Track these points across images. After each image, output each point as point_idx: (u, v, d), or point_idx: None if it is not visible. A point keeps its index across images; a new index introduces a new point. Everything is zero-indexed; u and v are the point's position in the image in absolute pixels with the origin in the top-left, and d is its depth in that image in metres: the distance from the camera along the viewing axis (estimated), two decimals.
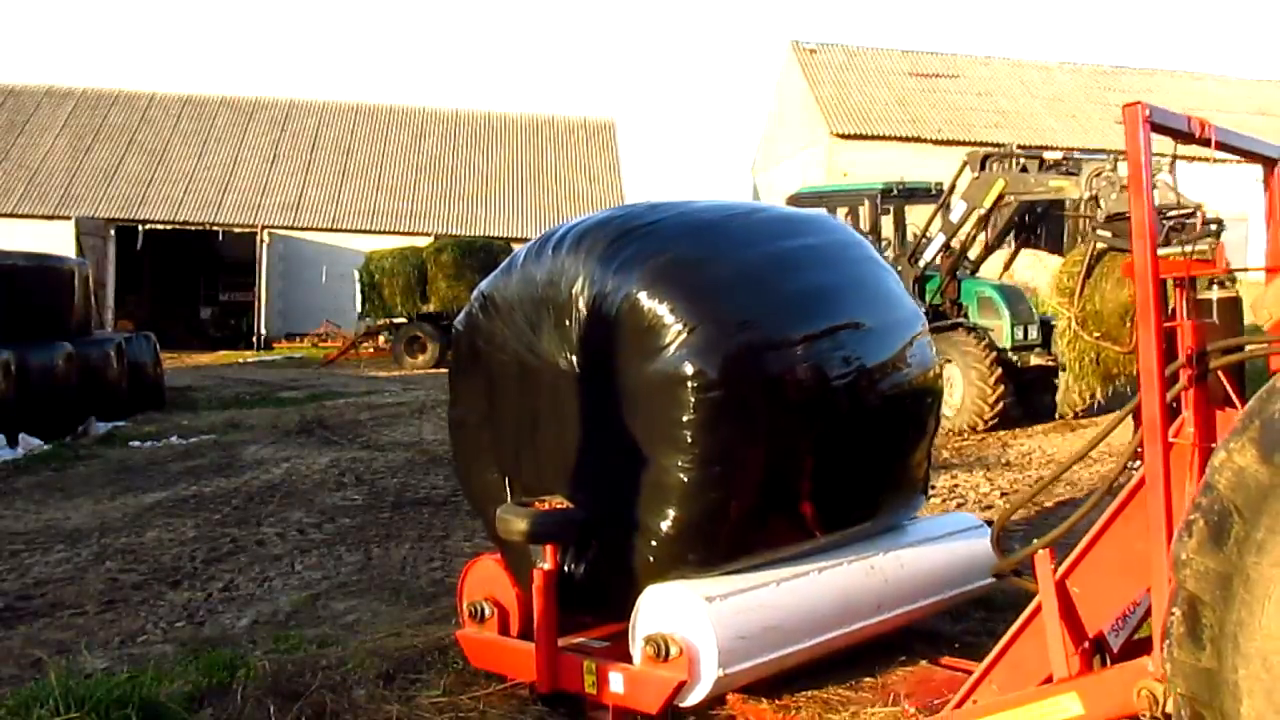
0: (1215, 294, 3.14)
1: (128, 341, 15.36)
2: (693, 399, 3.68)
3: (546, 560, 3.88)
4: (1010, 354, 12.49)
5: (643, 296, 3.77)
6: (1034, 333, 12.83)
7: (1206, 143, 3.03)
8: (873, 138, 33.86)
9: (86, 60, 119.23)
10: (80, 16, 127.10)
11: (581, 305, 3.90)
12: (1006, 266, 14.12)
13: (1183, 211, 3.81)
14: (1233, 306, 3.15)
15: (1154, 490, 2.81)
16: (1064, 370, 11.26)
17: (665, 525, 3.77)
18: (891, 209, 13.74)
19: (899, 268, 13.26)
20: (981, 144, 28.93)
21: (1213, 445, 2.82)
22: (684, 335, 3.71)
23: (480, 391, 4.32)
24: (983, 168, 12.21)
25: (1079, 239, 13.35)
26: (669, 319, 3.74)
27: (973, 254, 13.11)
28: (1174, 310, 2.99)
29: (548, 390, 4.05)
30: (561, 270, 3.98)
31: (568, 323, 3.94)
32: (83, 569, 6.59)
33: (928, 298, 13.07)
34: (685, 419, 3.69)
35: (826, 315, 4.13)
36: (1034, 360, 12.64)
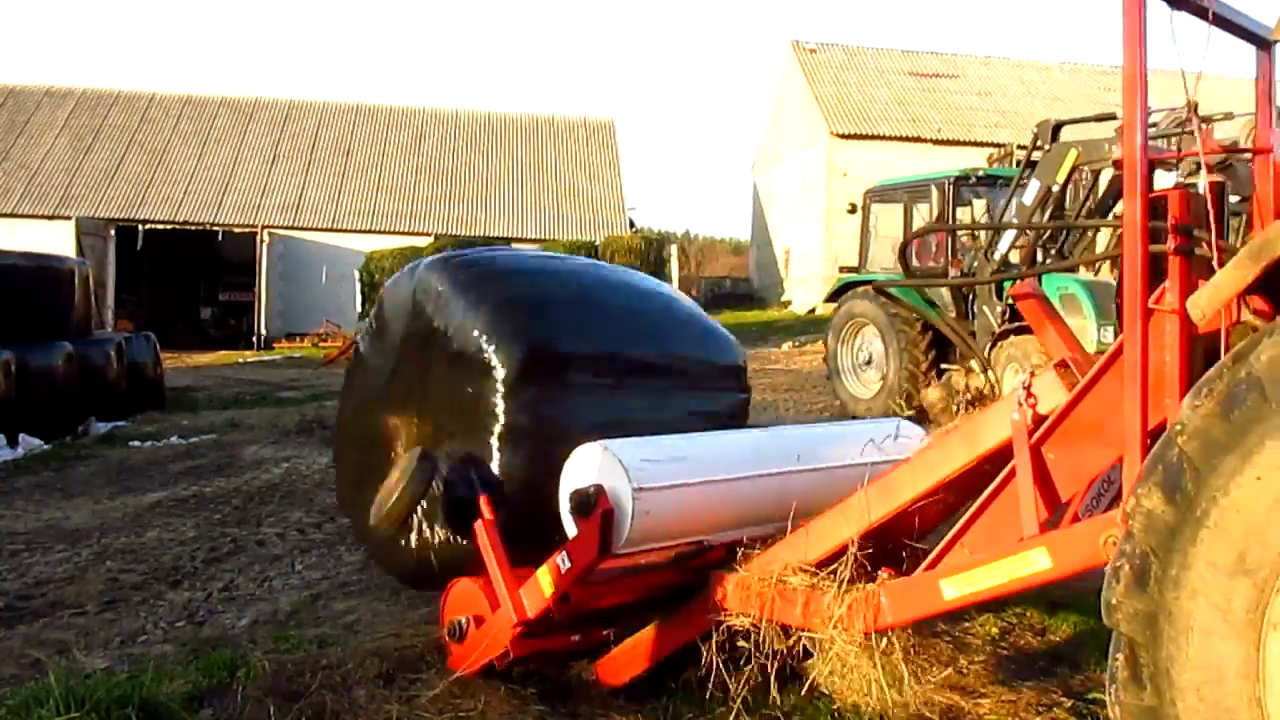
0: (1202, 177, 3.20)
1: (128, 341, 15.34)
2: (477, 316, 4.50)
3: (485, 511, 4.06)
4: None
5: (423, 275, 4.83)
6: None
7: (1203, 12, 2.98)
8: (873, 137, 33.90)
9: (86, 60, 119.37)
10: (80, 16, 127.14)
11: (399, 316, 4.94)
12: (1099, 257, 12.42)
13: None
14: (1220, 190, 3.19)
15: (1131, 356, 2.79)
16: None
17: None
18: (981, 199, 12.58)
19: (976, 264, 11.92)
20: (981, 144, 28.98)
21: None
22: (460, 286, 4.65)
23: (363, 415, 5.12)
24: (1054, 138, 10.83)
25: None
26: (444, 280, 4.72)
27: (1065, 247, 11.53)
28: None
29: (399, 393, 4.90)
30: (388, 304, 5.11)
31: (397, 333, 4.95)
32: (83, 569, 6.59)
33: (1004, 295, 11.51)
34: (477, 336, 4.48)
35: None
36: None
